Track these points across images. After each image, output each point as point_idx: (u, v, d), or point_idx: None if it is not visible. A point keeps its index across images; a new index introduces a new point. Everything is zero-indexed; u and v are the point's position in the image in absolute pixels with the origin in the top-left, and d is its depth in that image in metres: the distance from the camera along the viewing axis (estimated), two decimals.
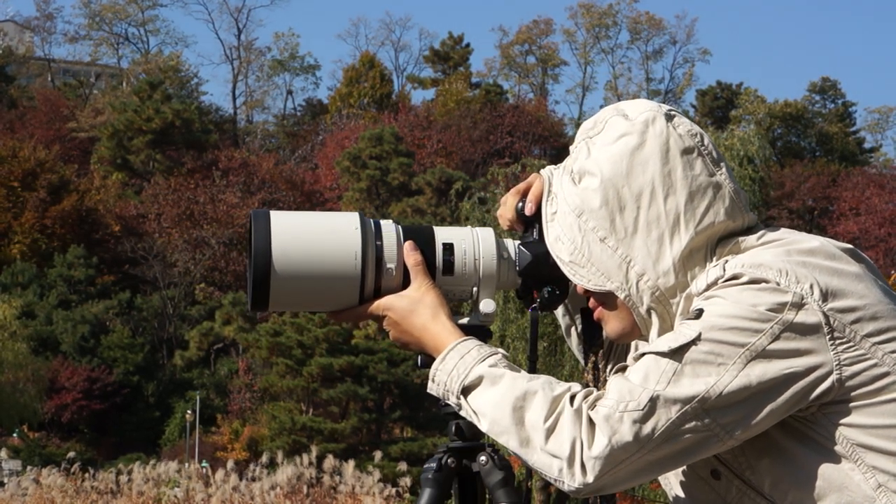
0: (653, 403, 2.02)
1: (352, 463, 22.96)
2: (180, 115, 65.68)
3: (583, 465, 2.03)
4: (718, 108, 76.88)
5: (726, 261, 2.12)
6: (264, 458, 24.78)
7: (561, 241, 2.22)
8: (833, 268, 2.09)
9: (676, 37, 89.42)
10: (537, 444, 2.07)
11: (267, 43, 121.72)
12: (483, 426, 2.14)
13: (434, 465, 2.37)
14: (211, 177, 62.06)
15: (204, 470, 25.45)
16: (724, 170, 2.20)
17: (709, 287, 2.10)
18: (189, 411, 48.02)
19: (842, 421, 2.07)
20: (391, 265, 2.32)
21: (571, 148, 2.26)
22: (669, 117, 2.19)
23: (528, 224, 2.36)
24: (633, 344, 2.37)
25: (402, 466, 24.56)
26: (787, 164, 69.37)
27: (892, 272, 26.92)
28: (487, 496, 2.39)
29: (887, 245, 57.69)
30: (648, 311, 2.17)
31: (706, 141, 2.20)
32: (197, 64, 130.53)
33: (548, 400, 2.08)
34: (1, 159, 59.50)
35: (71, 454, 25.95)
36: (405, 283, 2.32)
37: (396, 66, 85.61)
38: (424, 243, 2.34)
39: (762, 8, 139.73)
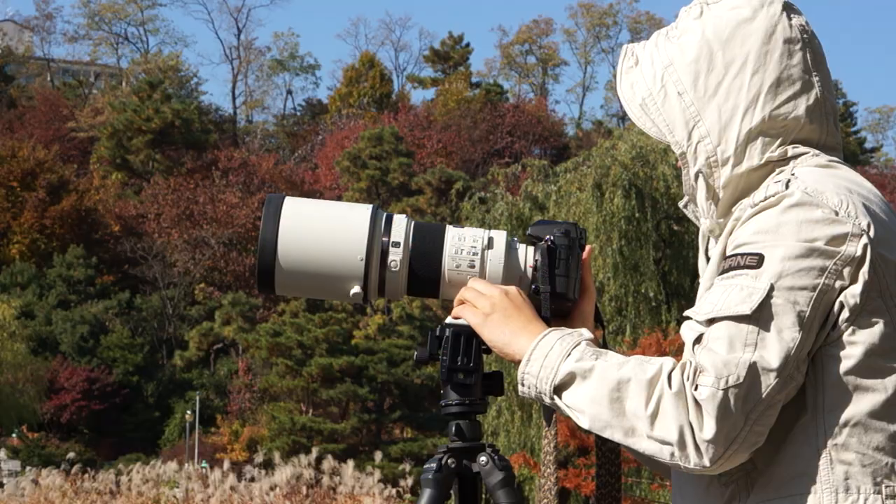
0: (751, 374, 2.02)
1: (351, 463, 22.97)
2: (180, 115, 65.65)
3: (697, 448, 2.02)
4: None
5: (788, 180, 2.11)
6: (260, 458, 24.73)
7: (636, 87, 2.25)
8: (885, 221, 2.12)
9: None
10: (643, 431, 2.05)
11: (267, 43, 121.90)
12: (584, 423, 2.12)
13: (434, 465, 2.36)
14: (211, 177, 62.02)
15: (203, 470, 25.45)
16: (822, 77, 2.21)
17: (766, 199, 2.09)
18: (189, 412, 48.02)
19: (826, 366, 2.06)
20: (395, 261, 2.32)
21: (682, 9, 2.29)
22: (789, 7, 2.23)
23: None
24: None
25: (405, 467, 24.58)
26: None
27: None
28: (486, 496, 2.39)
29: None
30: (697, 174, 2.19)
31: (815, 43, 2.23)
32: (196, 64, 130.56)
33: (643, 385, 2.06)
34: (0, 159, 59.47)
35: (70, 455, 26.00)
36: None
37: (396, 66, 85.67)
38: (435, 240, 2.33)
39: None
